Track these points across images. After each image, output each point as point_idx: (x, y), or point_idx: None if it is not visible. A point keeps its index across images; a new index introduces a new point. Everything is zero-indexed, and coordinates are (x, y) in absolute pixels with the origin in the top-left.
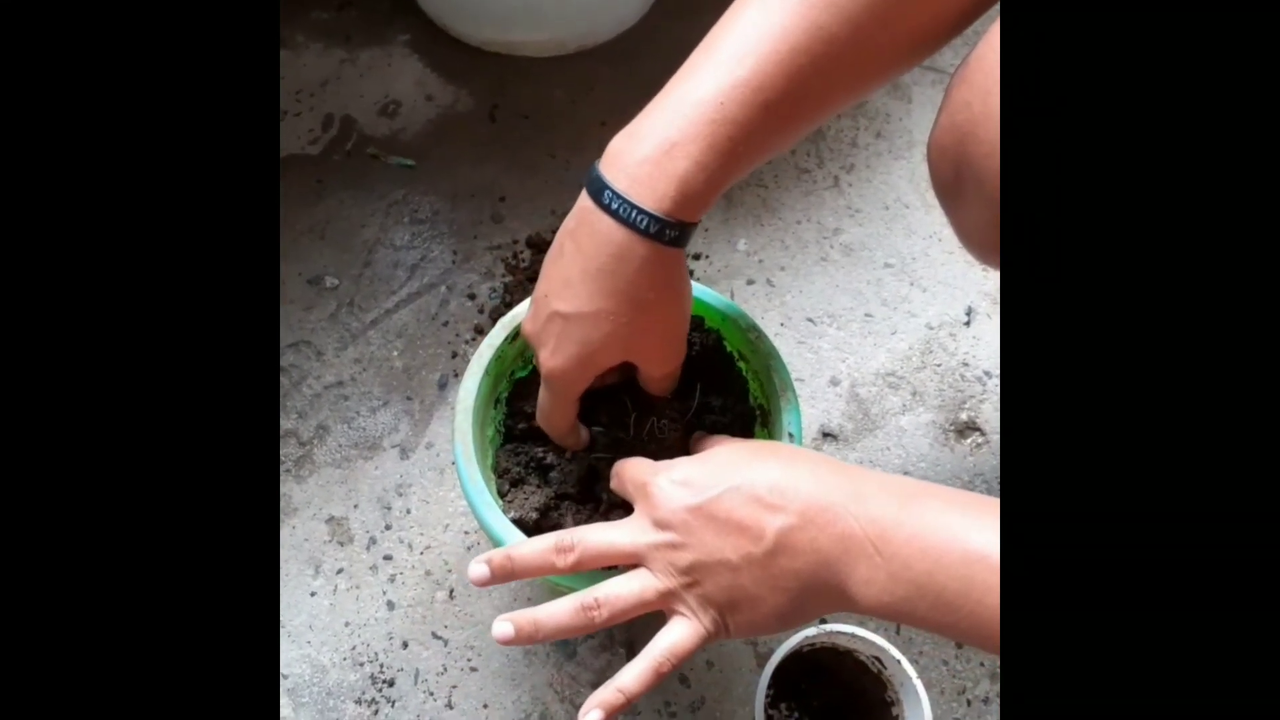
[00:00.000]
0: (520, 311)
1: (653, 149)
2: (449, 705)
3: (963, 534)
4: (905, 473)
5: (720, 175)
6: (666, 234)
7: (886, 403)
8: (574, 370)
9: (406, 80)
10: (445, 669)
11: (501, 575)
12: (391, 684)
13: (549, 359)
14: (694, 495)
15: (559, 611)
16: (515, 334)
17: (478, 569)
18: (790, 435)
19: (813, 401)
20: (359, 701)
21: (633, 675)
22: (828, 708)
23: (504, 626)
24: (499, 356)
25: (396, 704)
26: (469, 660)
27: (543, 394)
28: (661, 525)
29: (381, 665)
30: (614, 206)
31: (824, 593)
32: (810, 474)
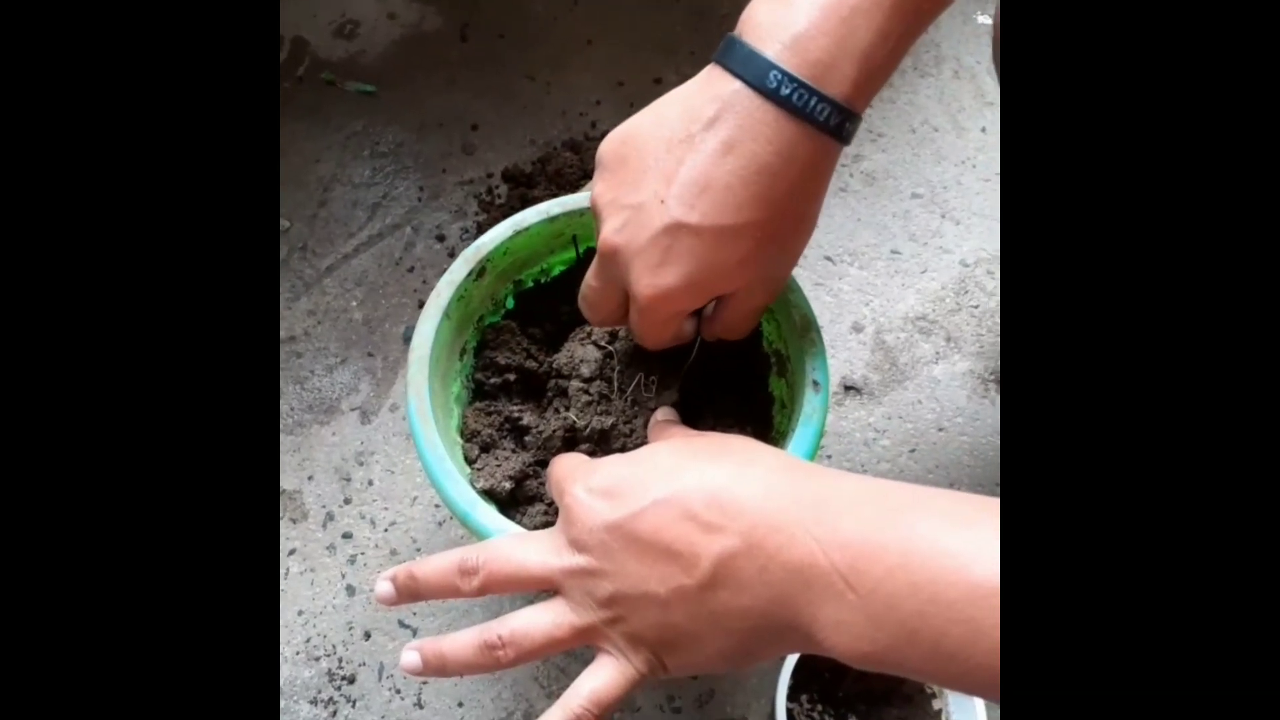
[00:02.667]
0: (486, 243)
1: (823, 17)
2: (418, 704)
3: (965, 561)
4: (940, 429)
5: (901, 46)
6: (846, 128)
7: (917, 350)
8: (685, 297)
9: None
10: None
11: (407, 595)
12: (352, 680)
13: (653, 279)
14: (614, 509)
15: (463, 647)
16: (480, 270)
17: (383, 586)
18: (815, 383)
19: (833, 351)
20: (315, 701)
21: None
22: (856, 698)
23: (410, 656)
24: (462, 297)
25: (358, 703)
26: None
27: (634, 318)
28: (577, 546)
29: (341, 659)
30: (786, 92)
31: (785, 635)
32: (762, 481)
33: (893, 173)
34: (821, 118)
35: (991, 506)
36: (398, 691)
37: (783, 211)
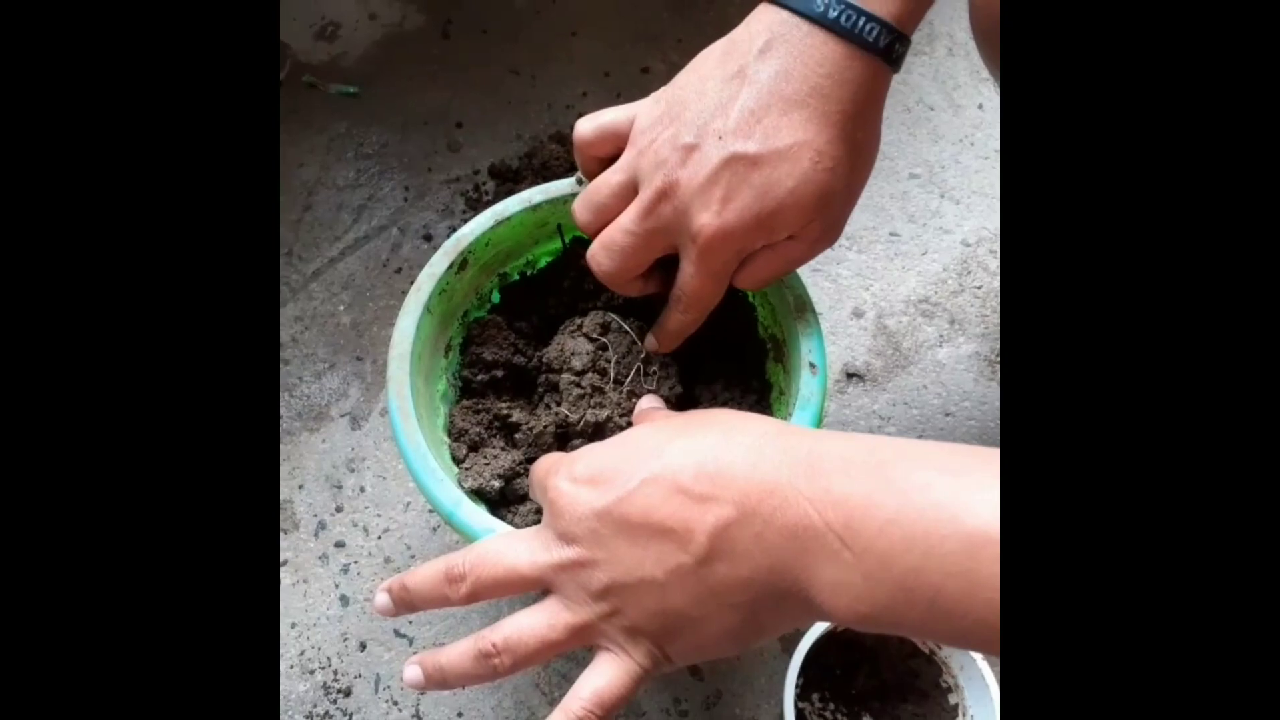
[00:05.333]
0: (468, 234)
1: None
2: (416, 715)
3: (959, 509)
4: (947, 414)
5: None
6: (895, 50)
7: (920, 334)
8: (751, 233)
9: None
10: None
11: (403, 606)
12: (348, 693)
13: (717, 216)
14: (600, 495)
15: (460, 658)
16: (462, 263)
17: (380, 598)
18: (812, 365)
19: (834, 337)
20: (311, 716)
21: None
22: (870, 695)
23: (413, 671)
24: (443, 290)
25: (355, 716)
26: None
27: (690, 272)
28: (565, 539)
29: (336, 672)
30: (833, 15)
31: (785, 603)
32: (750, 447)
33: (889, 153)
34: (871, 38)
35: (988, 455)
36: (395, 703)
37: (838, 135)
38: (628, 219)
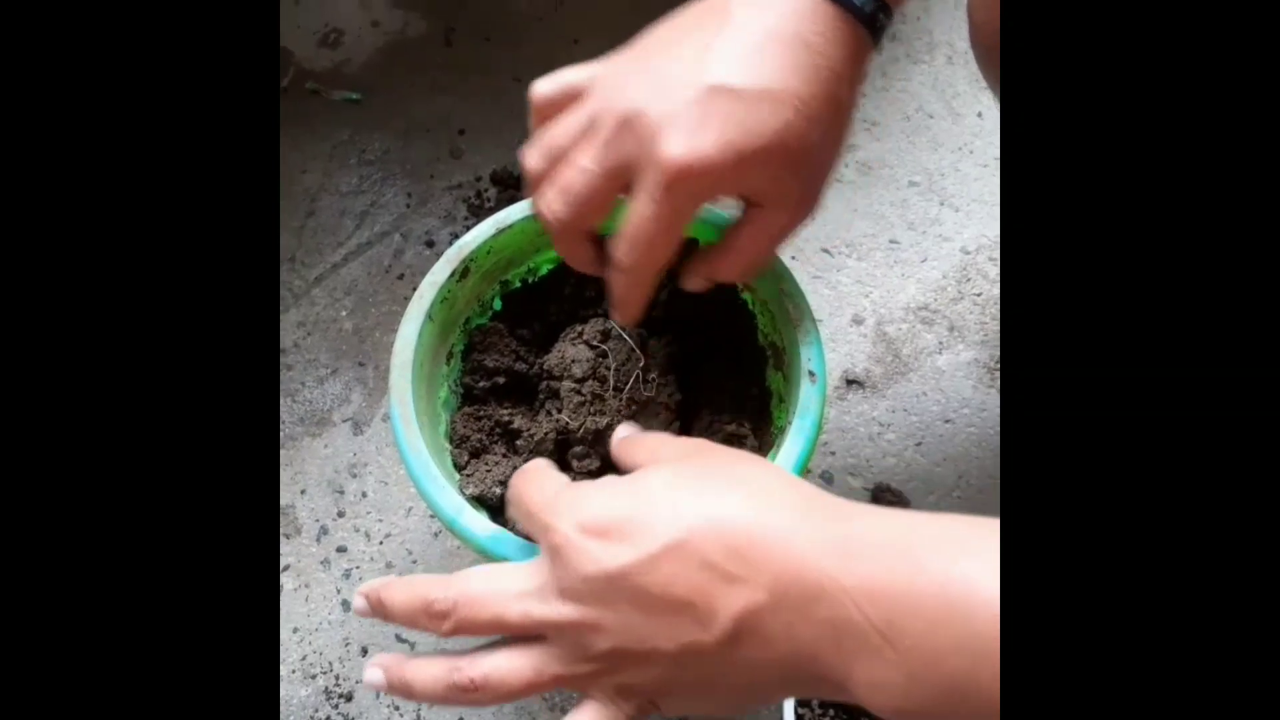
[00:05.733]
0: (469, 241)
1: None
2: None
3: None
4: (946, 421)
5: None
6: (879, 21)
7: (920, 341)
8: (722, 168)
9: (349, 4)
10: None
11: (379, 613)
12: (349, 698)
13: (689, 141)
14: (614, 554)
15: (430, 680)
16: (464, 270)
17: (358, 602)
18: (811, 374)
19: (834, 345)
20: None
21: None
22: None
23: (375, 674)
24: (445, 298)
25: None
26: None
27: (648, 211)
28: (568, 595)
29: (337, 677)
30: None
31: (811, 686)
32: (784, 523)
33: (888, 161)
34: (859, 2)
35: None
36: (396, 708)
37: (822, 91)
38: (585, 155)
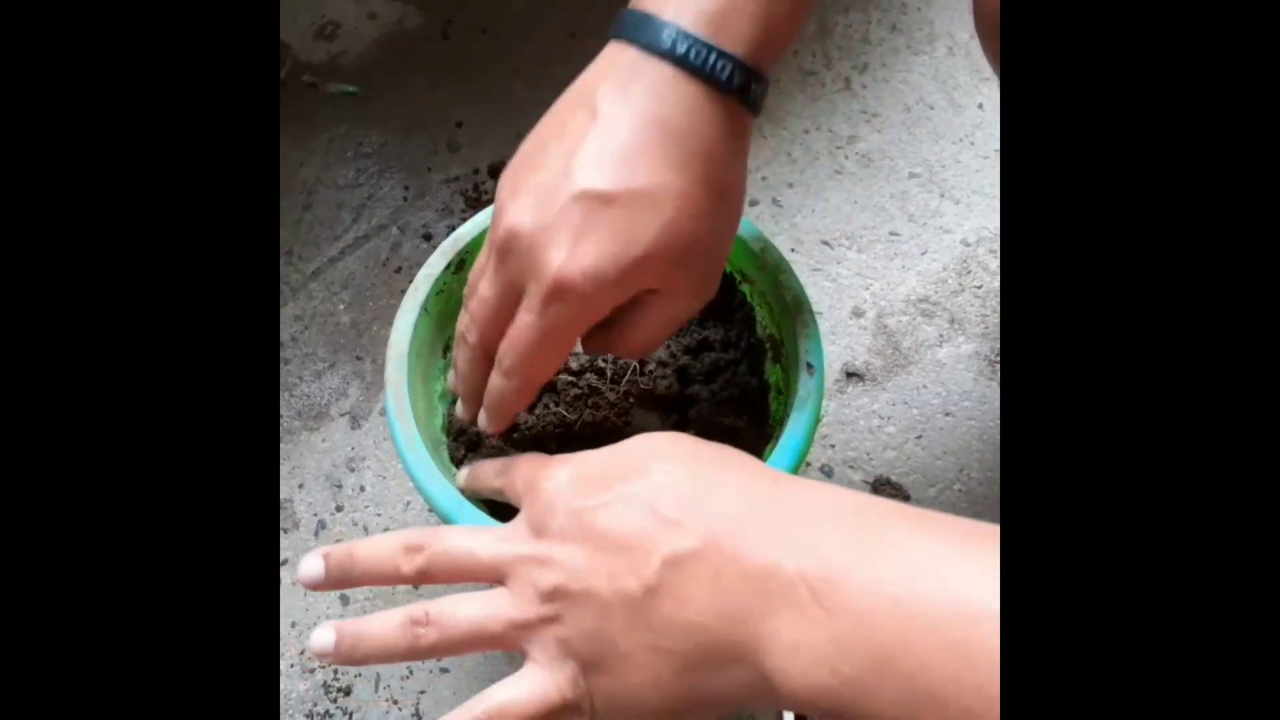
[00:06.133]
0: (465, 233)
1: None
2: (416, 715)
3: (959, 583)
4: (947, 414)
5: (803, 5)
6: (752, 90)
7: (920, 334)
8: (609, 275)
9: None
10: (411, 672)
11: (338, 574)
12: (348, 692)
13: (570, 257)
14: (580, 496)
15: (384, 624)
16: (460, 262)
17: (311, 563)
18: (809, 366)
19: (833, 337)
20: (311, 715)
21: None
22: None
23: (324, 635)
24: (441, 290)
25: (355, 715)
26: (439, 661)
27: (528, 320)
28: (534, 529)
29: (336, 671)
30: (682, 50)
31: (729, 667)
32: (740, 485)
33: (889, 153)
34: (724, 76)
35: (992, 533)
36: (395, 702)
37: (701, 179)
38: (483, 282)
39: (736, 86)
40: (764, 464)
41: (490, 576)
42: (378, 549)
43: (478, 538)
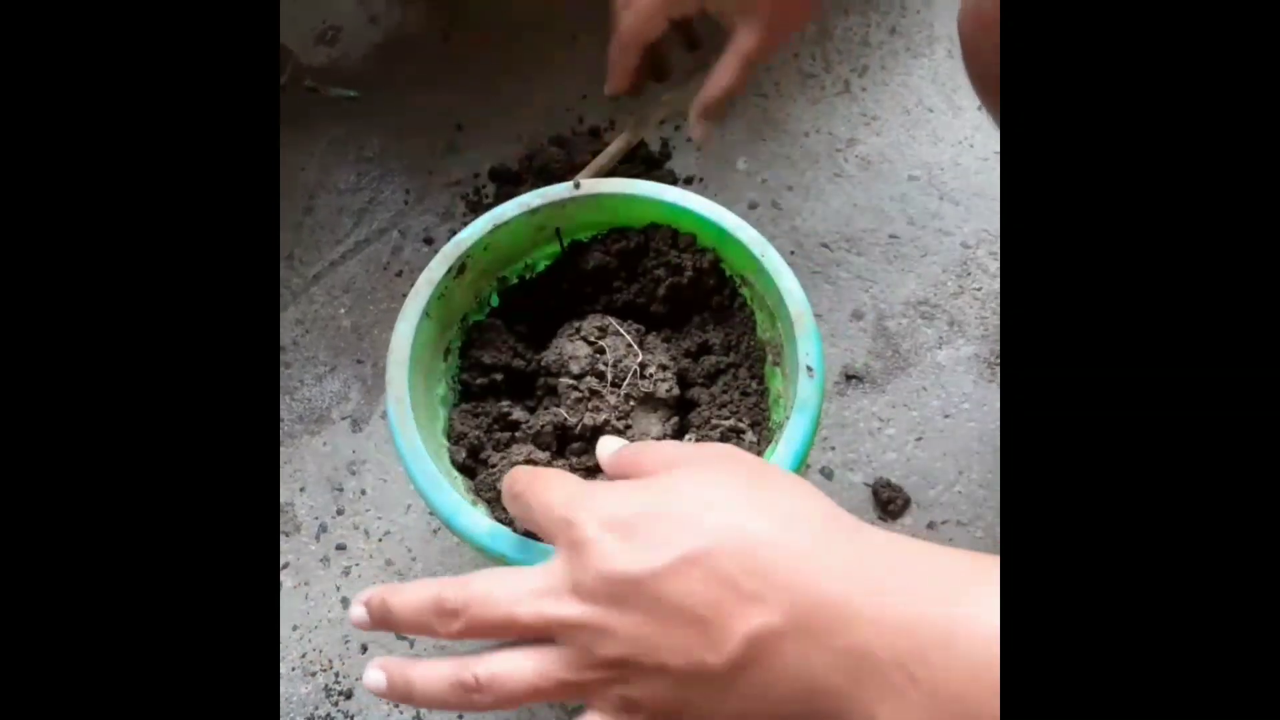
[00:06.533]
0: (466, 237)
1: None
2: (418, 717)
3: None
4: (946, 416)
5: None
6: None
7: (920, 336)
8: None
9: (346, 1)
10: None
11: (380, 623)
12: (349, 695)
13: None
14: (634, 558)
15: (434, 680)
16: (460, 267)
17: (356, 611)
18: (809, 369)
19: (833, 340)
20: (311, 718)
21: None
22: None
23: (376, 676)
24: (442, 295)
25: (356, 718)
26: None
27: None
28: (581, 594)
29: (337, 674)
30: None
31: None
32: (810, 547)
33: (888, 156)
34: None
35: None
36: (396, 707)
37: None
38: None
39: None
40: (830, 502)
41: (534, 636)
42: (413, 609)
43: (517, 598)
